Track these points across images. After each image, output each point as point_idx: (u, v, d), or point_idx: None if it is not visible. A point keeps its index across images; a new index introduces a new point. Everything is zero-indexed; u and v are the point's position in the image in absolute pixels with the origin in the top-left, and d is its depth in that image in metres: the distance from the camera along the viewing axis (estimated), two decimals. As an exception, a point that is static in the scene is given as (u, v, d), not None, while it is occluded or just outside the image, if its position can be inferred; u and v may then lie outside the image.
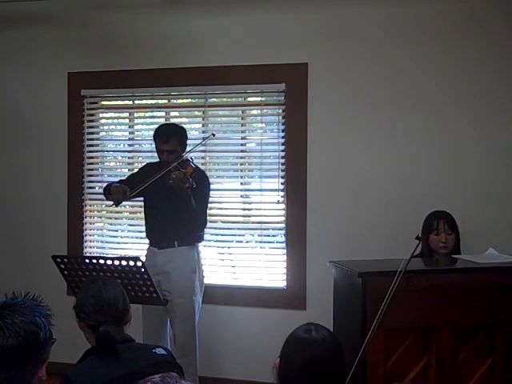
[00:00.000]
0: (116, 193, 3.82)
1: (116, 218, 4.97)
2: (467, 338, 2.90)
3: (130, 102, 4.84)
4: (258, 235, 4.63)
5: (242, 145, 4.71)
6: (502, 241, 3.72)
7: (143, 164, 4.39)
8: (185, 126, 4.22)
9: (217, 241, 4.65)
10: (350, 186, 4.33)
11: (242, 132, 4.74)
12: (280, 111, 4.50)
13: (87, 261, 3.39)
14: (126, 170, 4.88)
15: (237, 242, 4.72)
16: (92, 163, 4.87)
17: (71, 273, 3.38)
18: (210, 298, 4.18)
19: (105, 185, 4.18)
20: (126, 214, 4.97)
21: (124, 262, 3.30)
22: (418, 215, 3.84)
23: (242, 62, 4.45)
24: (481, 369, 2.92)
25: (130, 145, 4.96)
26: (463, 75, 4.17)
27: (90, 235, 4.93)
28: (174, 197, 3.75)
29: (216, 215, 4.57)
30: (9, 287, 1.94)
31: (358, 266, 2.96)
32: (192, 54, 4.55)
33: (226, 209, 4.66)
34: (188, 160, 3.95)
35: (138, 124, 4.97)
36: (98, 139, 4.91)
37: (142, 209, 4.24)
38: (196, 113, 4.81)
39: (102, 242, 4.98)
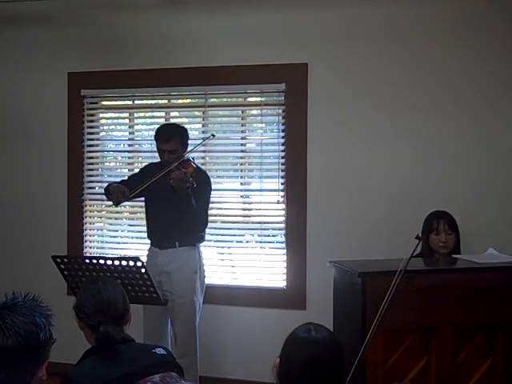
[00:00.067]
0: (115, 193, 3.83)
1: (116, 218, 4.97)
2: (467, 338, 2.90)
3: (130, 102, 4.84)
4: (258, 235, 4.63)
5: (242, 145, 4.71)
6: (502, 241, 3.72)
7: (144, 164, 4.40)
8: (185, 126, 4.22)
9: (217, 241, 4.65)
10: (350, 186, 4.33)
11: (242, 132, 4.74)
12: (280, 111, 4.50)
13: (87, 261, 3.39)
14: (126, 170, 4.89)
15: (237, 242, 4.72)
16: (92, 163, 4.87)
17: (71, 273, 3.38)
18: (210, 298, 4.18)
19: (105, 185, 4.19)
20: (125, 214, 4.97)
21: (124, 262, 3.30)
22: (418, 215, 3.84)
23: (242, 62, 4.45)
24: (481, 369, 2.92)
25: (129, 145, 4.96)
26: (463, 75, 4.17)
27: (90, 235, 4.93)
28: (174, 197, 3.75)
29: (216, 215, 4.56)
30: (9, 287, 1.94)
31: (358, 266, 2.95)
32: (192, 54, 4.55)
33: (225, 209, 4.65)
34: (189, 160, 3.95)
35: (138, 124, 4.97)
36: (97, 139, 4.91)
37: (142, 209, 4.25)
38: (196, 113, 4.81)
39: (102, 242, 4.98)
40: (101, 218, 5.01)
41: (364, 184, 4.30)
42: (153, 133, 4.14)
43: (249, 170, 4.71)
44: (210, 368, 4.35)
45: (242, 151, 4.69)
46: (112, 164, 5.09)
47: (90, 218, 4.93)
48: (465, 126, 4.16)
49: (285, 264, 4.46)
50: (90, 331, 2.38)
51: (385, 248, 4.05)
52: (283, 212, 4.48)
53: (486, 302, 2.88)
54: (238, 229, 4.67)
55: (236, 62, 4.46)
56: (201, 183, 3.85)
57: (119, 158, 5.06)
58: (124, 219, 5.01)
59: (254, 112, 4.70)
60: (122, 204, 4.17)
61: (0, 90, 4.96)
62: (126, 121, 4.96)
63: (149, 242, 4.14)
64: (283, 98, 4.46)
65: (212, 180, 4.16)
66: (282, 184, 4.48)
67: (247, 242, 4.73)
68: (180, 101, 4.80)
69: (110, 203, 3.98)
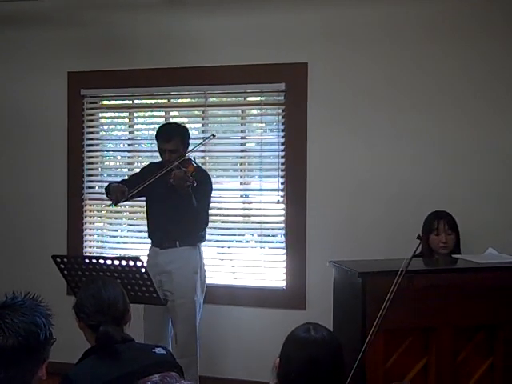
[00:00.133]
0: (115, 192, 3.83)
1: (116, 218, 4.97)
2: (467, 338, 2.90)
3: (130, 102, 4.84)
4: (258, 235, 4.63)
5: (241, 144, 4.71)
6: (501, 241, 3.72)
7: (145, 164, 4.39)
8: (186, 126, 4.22)
9: (216, 241, 4.64)
10: (350, 186, 4.33)
11: (242, 132, 4.74)
12: (280, 111, 4.50)
13: (87, 261, 3.39)
14: (126, 170, 4.89)
15: (236, 241, 4.72)
16: (92, 163, 4.87)
17: (71, 273, 3.38)
18: (209, 298, 4.17)
19: (105, 184, 4.20)
20: (125, 213, 4.97)
21: (124, 262, 3.30)
22: (418, 215, 3.84)
23: (241, 62, 4.45)
24: (481, 368, 2.92)
25: (129, 144, 4.95)
26: (463, 75, 4.17)
27: (90, 235, 4.92)
28: (175, 196, 3.76)
29: (216, 215, 4.56)
30: (9, 287, 1.94)
31: (358, 266, 2.96)
32: (192, 53, 4.55)
33: (225, 209, 4.65)
34: (190, 159, 3.95)
35: (137, 124, 4.97)
36: (97, 139, 4.91)
37: (142, 208, 4.25)
38: (196, 112, 4.81)
39: (102, 241, 4.98)
40: (101, 217, 5.01)
41: (364, 184, 4.30)
42: (152, 132, 4.15)
43: (248, 169, 4.71)
44: (210, 368, 4.35)
45: (242, 151, 4.69)
46: (112, 164, 5.09)
47: (90, 217, 4.93)
48: (465, 126, 4.16)
49: (285, 264, 4.46)
50: (89, 331, 2.38)
51: (385, 248, 4.05)
52: (283, 212, 4.48)
53: (485, 302, 2.88)
54: (238, 228, 4.67)
55: (236, 62, 4.46)
56: (201, 182, 3.85)
57: (119, 157, 5.06)
58: (124, 219, 5.01)
59: (254, 112, 4.70)
60: (122, 204, 4.18)
61: (0, 90, 4.96)
62: (126, 120, 4.96)
63: (149, 241, 4.14)
64: (283, 97, 4.46)
65: (212, 180, 4.16)
66: (281, 184, 4.48)
67: (247, 241, 4.73)
68: (180, 100, 4.80)
69: (110, 203, 3.98)
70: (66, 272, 3.39)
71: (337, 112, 4.35)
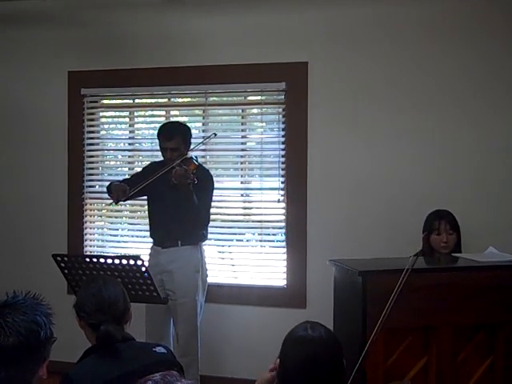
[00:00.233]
0: (116, 191, 3.84)
1: (116, 217, 4.98)
2: (467, 338, 2.91)
3: (130, 101, 4.84)
4: (259, 234, 4.63)
5: (242, 143, 4.71)
6: (502, 240, 3.72)
7: (147, 163, 4.39)
8: (188, 125, 4.22)
9: (217, 239, 4.64)
10: (350, 186, 4.33)
11: (243, 131, 4.74)
12: (280, 110, 4.50)
13: (87, 259, 3.40)
14: (126, 169, 4.90)
15: (237, 240, 4.72)
16: (92, 162, 4.87)
17: (71, 272, 3.38)
18: (210, 297, 4.17)
19: (105, 184, 4.21)
20: (126, 212, 4.97)
21: (124, 261, 3.30)
22: (418, 215, 3.85)
23: (242, 61, 4.45)
24: (481, 368, 2.92)
25: (130, 144, 4.96)
26: (463, 75, 4.17)
27: (91, 234, 4.92)
28: (176, 195, 3.76)
29: (216, 214, 4.56)
30: (9, 286, 1.94)
31: (359, 265, 2.96)
32: (192, 52, 4.55)
33: (226, 207, 4.66)
34: (191, 158, 3.96)
35: (138, 123, 4.97)
36: (98, 138, 4.91)
37: (142, 208, 4.25)
38: (196, 112, 4.82)
39: (103, 240, 4.97)
40: (101, 216, 5.01)
41: (364, 184, 4.30)
42: (153, 132, 4.15)
43: (249, 168, 4.72)
44: (211, 367, 4.35)
45: (243, 150, 4.69)
46: (112, 163, 5.09)
47: (91, 216, 4.93)
48: (465, 126, 4.16)
49: (285, 263, 4.47)
50: (90, 330, 2.38)
51: (385, 248, 4.05)
52: (283, 211, 4.48)
53: (486, 302, 2.88)
54: (239, 227, 4.67)
55: (236, 61, 4.46)
56: (203, 181, 3.86)
57: (119, 156, 5.06)
58: (124, 218, 5.01)
59: (254, 111, 4.70)
60: (123, 203, 4.18)
61: (1, 89, 4.96)
62: (126, 119, 4.96)
63: (149, 240, 4.15)
64: (283, 96, 4.47)
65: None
66: (282, 183, 4.48)
67: (247, 240, 4.73)
68: (180, 99, 4.81)
69: (110, 202, 3.99)
70: (66, 271, 3.40)
71: (337, 111, 4.35)
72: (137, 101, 4.82)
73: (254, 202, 4.65)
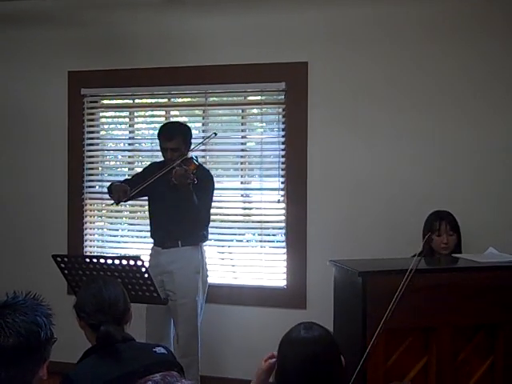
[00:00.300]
0: (117, 191, 3.83)
1: (116, 218, 4.98)
2: (467, 338, 2.90)
3: (130, 101, 4.84)
4: (259, 234, 4.63)
5: (242, 144, 4.71)
6: (502, 241, 3.72)
7: (147, 163, 4.39)
8: (188, 125, 4.22)
9: (217, 240, 4.64)
10: (350, 186, 4.33)
11: (242, 131, 4.74)
12: (280, 110, 4.50)
13: (87, 260, 3.39)
14: (126, 169, 4.90)
15: (237, 241, 4.72)
16: (92, 162, 4.87)
17: (71, 272, 3.38)
18: (210, 297, 4.17)
19: (105, 184, 4.22)
20: (126, 213, 4.97)
21: (124, 261, 3.30)
22: (418, 215, 3.85)
23: (241, 61, 4.45)
24: (481, 368, 2.92)
25: (130, 144, 4.96)
26: (463, 75, 4.17)
27: (91, 234, 4.92)
28: (177, 195, 3.76)
29: (216, 214, 4.55)
30: (9, 287, 1.94)
31: (359, 265, 2.96)
32: (192, 52, 4.55)
33: (226, 208, 4.66)
34: (191, 158, 3.96)
35: (138, 123, 4.96)
36: (98, 138, 4.91)
37: (142, 208, 4.25)
38: (196, 112, 4.82)
39: (103, 241, 4.98)
40: (101, 217, 5.01)
41: (364, 184, 4.30)
42: (153, 132, 4.15)
43: (249, 168, 4.72)
44: (211, 367, 4.35)
45: (242, 150, 4.69)
46: (112, 163, 5.09)
47: (91, 217, 4.93)
48: (465, 126, 4.16)
49: (285, 263, 4.47)
50: (90, 330, 2.38)
51: (385, 248, 4.05)
52: (283, 211, 4.48)
53: (486, 302, 2.88)
54: (239, 228, 4.67)
55: (236, 61, 4.46)
56: (203, 181, 3.86)
57: (119, 156, 5.06)
58: (124, 218, 5.01)
59: (254, 111, 4.70)
60: (123, 203, 4.18)
61: (1, 89, 4.96)
62: (126, 120, 4.96)
63: (149, 241, 4.15)
64: (283, 96, 4.47)
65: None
66: (282, 183, 4.48)
67: (247, 241, 4.73)
68: (180, 100, 4.81)
69: (110, 202, 3.99)
70: (66, 271, 3.39)
71: (337, 111, 4.35)
72: (137, 101, 4.83)
73: (254, 202, 4.65)
